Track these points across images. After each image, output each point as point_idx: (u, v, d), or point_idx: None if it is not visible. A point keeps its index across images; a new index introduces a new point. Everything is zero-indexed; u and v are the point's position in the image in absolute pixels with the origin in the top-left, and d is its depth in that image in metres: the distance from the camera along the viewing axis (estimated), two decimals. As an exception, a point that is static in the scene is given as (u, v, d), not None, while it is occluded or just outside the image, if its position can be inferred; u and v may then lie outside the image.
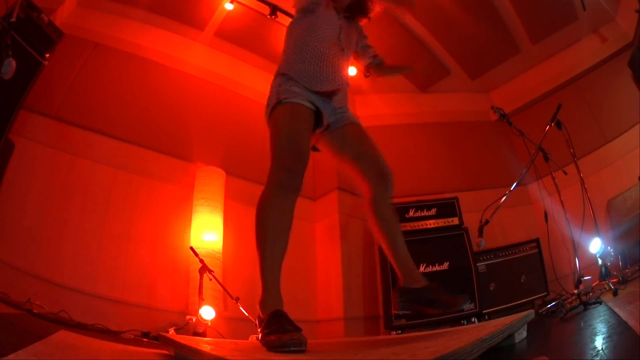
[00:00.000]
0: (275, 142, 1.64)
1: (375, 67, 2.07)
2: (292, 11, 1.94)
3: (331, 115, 1.79)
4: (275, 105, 1.70)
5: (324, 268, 4.01)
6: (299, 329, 1.30)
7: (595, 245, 2.62)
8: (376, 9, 2.09)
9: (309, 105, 1.69)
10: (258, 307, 1.43)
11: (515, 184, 2.77)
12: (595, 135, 3.91)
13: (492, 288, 3.59)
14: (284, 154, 1.58)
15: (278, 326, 1.29)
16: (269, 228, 1.48)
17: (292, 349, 1.20)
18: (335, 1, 1.91)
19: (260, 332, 1.35)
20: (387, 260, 3.66)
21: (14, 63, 2.00)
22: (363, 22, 2.08)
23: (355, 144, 1.80)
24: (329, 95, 1.77)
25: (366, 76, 2.16)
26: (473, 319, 3.42)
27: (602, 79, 4.01)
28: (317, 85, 1.73)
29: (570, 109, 3.39)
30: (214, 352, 1.25)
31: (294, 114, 1.66)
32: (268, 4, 3.88)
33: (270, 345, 1.26)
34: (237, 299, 2.97)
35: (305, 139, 1.65)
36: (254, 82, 4.42)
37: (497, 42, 4.31)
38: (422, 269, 3.60)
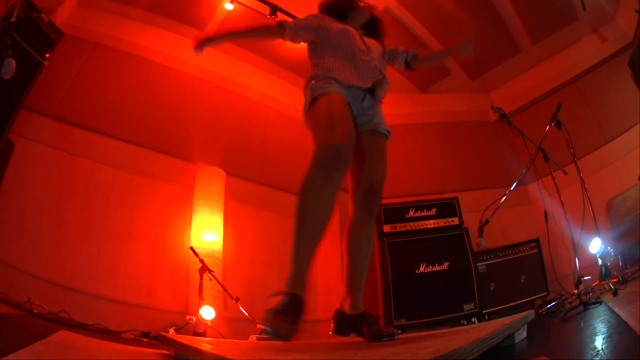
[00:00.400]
0: (316, 128, 1.61)
1: (413, 60, 2.07)
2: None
3: (359, 115, 1.77)
4: (312, 103, 1.69)
5: (324, 268, 4.01)
6: (295, 320, 1.29)
7: (595, 245, 2.62)
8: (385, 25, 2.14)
9: (344, 95, 1.69)
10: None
11: (515, 184, 2.77)
12: (595, 135, 3.92)
13: (492, 288, 3.60)
14: (325, 133, 1.54)
15: (285, 310, 1.29)
16: (307, 211, 1.44)
17: (276, 337, 1.24)
18: (349, 22, 1.98)
19: (272, 305, 1.35)
20: (387, 260, 3.67)
21: (14, 63, 2.01)
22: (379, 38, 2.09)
23: (370, 156, 1.76)
24: (360, 94, 1.77)
25: (409, 70, 2.16)
26: (473, 319, 3.42)
27: (602, 79, 4.01)
28: (348, 78, 1.73)
29: (570, 109, 3.39)
30: (214, 352, 1.25)
31: (330, 100, 1.64)
32: (268, 4, 3.88)
33: (266, 327, 1.28)
34: (237, 299, 2.98)
35: (347, 121, 1.61)
36: (254, 82, 4.42)
37: (497, 42, 4.31)
38: (422, 269, 3.60)
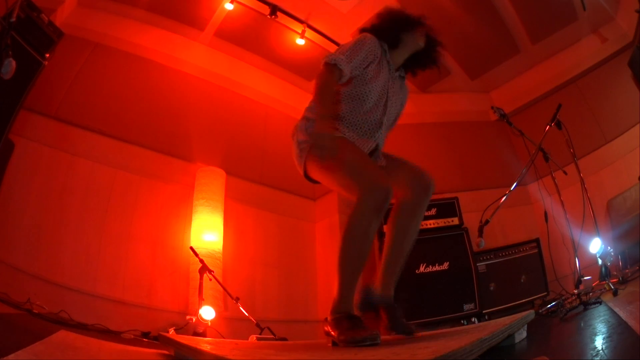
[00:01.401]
0: (355, 167, 1.56)
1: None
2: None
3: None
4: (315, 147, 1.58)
5: (324, 268, 4.01)
6: (368, 327, 1.40)
7: (595, 245, 2.62)
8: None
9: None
10: (330, 311, 1.50)
11: (515, 184, 2.77)
12: (595, 135, 3.91)
13: (492, 288, 3.59)
14: (370, 176, 1.53)
15: (354, 324, 1.40)
16: (358, 247, 1.52)
17: (368, 343, 1.30)
18: (393, 55, 1.77)
19: (335, 331, 1.43)
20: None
21: (14, 63, 2.01)
22: (431, 69, 1.92)
23: (390, 160, 1.81)
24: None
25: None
26: (473, 319, 3.42)
27: (602, 79, 4.01)
28: (358, 143, 1.70)
29: (570, 109, 3.39)
30: (214, 352, 1.25)
31: (346, 143, 1.62)
32: (268, 4, 3.88)
33: (349, 341, 1.35)
34: (237, 299, 2.98)
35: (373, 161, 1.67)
36: (254, 82, 4.42)
37: (497, 42, 4.30)
38: (422, 269, 3.60)
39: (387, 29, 1.75)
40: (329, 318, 1.49)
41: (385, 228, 1.79)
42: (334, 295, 1.50)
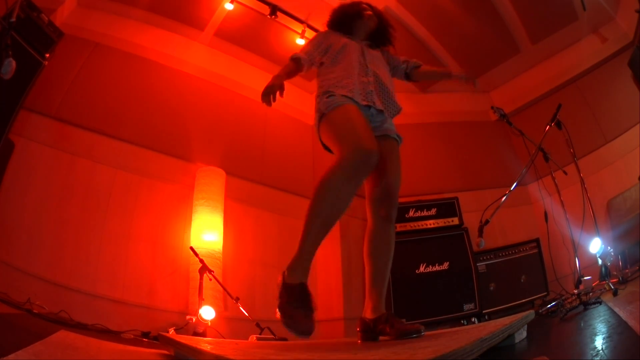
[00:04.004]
0: (341, 133, 1.61)
1: (412, 72, 2.10)
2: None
3: (371, 121, 1.79)
4: (326, 115, 1.70)
5: (324, 268, 4.01)
6: (312, 310, 1.36)
7: (595, 245, 2.62)
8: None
9: (356, 103, 1.71)
10: (285, 271, 1.46)
11: (515, 184, 2.77)
12: (595, 135, 3.91)
13: (492, 288, 3.60)
14: (354, 138, 1.54)
15: (300, 302, 1.35)
16: (324, 206, 1.48)
17: (299, 335, 1.28)
18: (353, 36, 1.99)
19: (281, 297, 1.40)
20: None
21: (14, 63, 2.00)
22: (389, 49, 2.13)
23: (382, 164, 1.74)
24: (365, 108, 1.78)
25: (409, 81, 2.19)
26: (473, 319, 3.42)
27: (602, 79, 4.01)
28: (356, 95, 1.74)
29: (570, 109, 3.39)
30: (214, 352, 1.25)
31: (349, 110, 1.67)
32: (268, 4, 3.88)
33: (283, 315, 1.32)
34: (237, 299, 2.97)
35: (370, 129, 1.65)
36: (254, 82, 4.41)
37: (497, 42, 4.31)
38: (422, 269, 3.60)
39: (339, 23, 2.06)
40: (284, 274, 1.46)
41: (363, 253, 1.80)
42: (294, 253, 1.48)
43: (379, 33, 2.08)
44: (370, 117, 1.79)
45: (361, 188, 1.63)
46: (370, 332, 1.68)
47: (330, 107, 1.69)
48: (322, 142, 1.80)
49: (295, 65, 1.88)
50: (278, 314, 1.31)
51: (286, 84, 1.86)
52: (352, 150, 1.51)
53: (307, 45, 1.99)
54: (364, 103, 1.76)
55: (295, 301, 1.35)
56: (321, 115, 1.73)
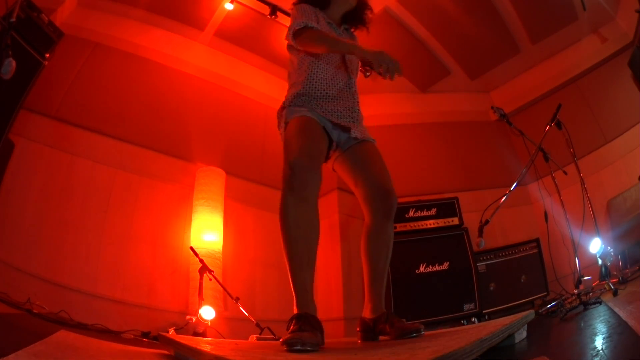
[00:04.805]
0: (285, 149, 1.59)
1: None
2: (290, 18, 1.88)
3: (340, 134, 1.75)
4: (285, 126, 1.69)
5: (324, 268, 4.01)
6: (315, 329, 1.32)
7: (595, 245, 2.62)
8: (373, 13, 2.02)
9: (316, 117, 1.67)
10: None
11: (515, 184, 2.77)
12: (595, 135, 3.91)
13: (492, 288, 3.59)
14: (288, 152, 1.54)
15: (296, 327, 1.32)
16: (290, 235, 1.45)
17: (297, 347, 1.22)
18: (328, 15, 1.86)
19: (287, 329, 1.38)
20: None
21: (14, 63, 2.00)
22: (361, 31, 2.01)
23: (365, 164, 1.73)
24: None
25: (366, 76, 2.09)
26: (473, 319, 3.42)
27: (602, 79, 4.01)
28: (325, 111, 1.70)
29: (570, 109, 3.39)
30: (214, 352, 1.25)
31: (301, 122, 1.64)
32: (268, 4, 3.88)
33: (284, 343, 1.28)
34: (237, 299, 2.98)
35: (311, 137, 1.59)
36: (254, 82, 4.42)
37: (497, 42, 4.31)
38: (422, 268, 3.60)
39: None
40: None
41: (360, 253, 1.77)
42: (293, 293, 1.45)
43: (356, 13, 1.94)
44: (338, 136, 1.75)
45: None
46: (371, 332, 1.67)
47: (287, 119, 1.68)
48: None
49: (316, 30, 1.70)
50: (285, 346, 1.25)
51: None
52: (285, 164, 1.49)
53: (301, 16, 1.76)
54: (337, 121, 1.71)
55: (302, 325, 1.32)
56: (282, 130, 1.71)
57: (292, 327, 1.34)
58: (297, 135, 1.59)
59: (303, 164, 1.47)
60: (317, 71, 1.75)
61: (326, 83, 1.74)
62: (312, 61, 1.77)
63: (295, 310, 1.41)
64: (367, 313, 1.71)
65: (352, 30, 2.00)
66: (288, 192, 1.47)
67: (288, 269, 1.45)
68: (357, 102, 1.85)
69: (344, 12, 1.91)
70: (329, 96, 1.73)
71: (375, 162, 1.74)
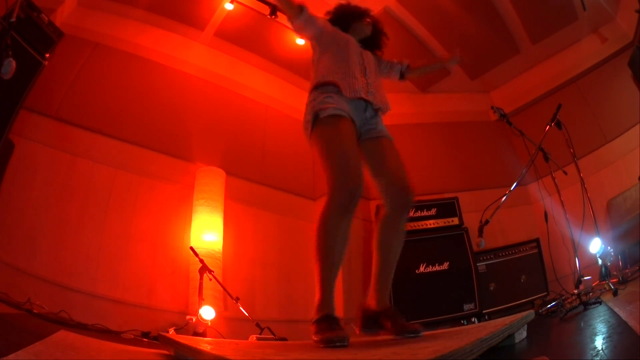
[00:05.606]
0: (330, 163, 1.63)
1: (406, 71, 2.17)
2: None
3: (363, 125, 1.81)
4: (316, 121, 1.72)
5: (324, 268, 4.00)
6: (341, 327, 1.44)
7: (595, 245, 2.62)
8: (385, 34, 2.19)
9: (347, 115, 1.71)
10: (314, 311, 1.53)
11: (515, 184, 2.77)
12: (595, 135, 3.91)
13: (492, 288, 3.59)
14: (344, 176, 1.58)
15: (326, 326, 1.43)
16: (328, 246, 1.55)
17: (337, 344, 1.34)
18: (350, 33, 2.03)
19: (313, 332, 1.47)
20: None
21: (14, 63, 2.00)
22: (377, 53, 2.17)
23: (381, 159, 1.79)
24: (362, 104, 1.80)
25: (403, 80, 2.24)
26: (473, 319, 3.42)
27: (602, 79, 4.01)
28: (347, 90, 1.76)
29: (570, 109, 3.39)
30: (214, 352, 1.25)
31: (339, 131, 1.67)
32: (268, 4, 3.88)
33: (320, 341, 1.38)
34: (237, 299, 2.98)
35: (358, 158, 1.68)
36: (254, 82, 4.42)
37: (497, 42, 4.31)
38: (422, 269, 3.60)
39: (339, 17, 2.10)
40: (313, 319, 1.51)
41: (372, 243, 1.81)
42: (316, 297, 1.54)
43: (372, 39, 2.13)
44: (365, 120, 1.81)
45: (365, 190, 1.64)
46: (372, 322, 1.69)
47: (318, 112, 1.70)
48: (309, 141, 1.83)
49: (297, 10, 1.88)
50: (322, 343, 1.37)
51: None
52: (339, 189, 1.56)
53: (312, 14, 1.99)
54: (369, 98, 1.79)
55: (325, 326, 1.43)
56: (314, 118, 1.73)
57: (322, 325, 1.44)
58: (343, 152, 1.63)
59: (357, 191, 1.56)
60: (332, 60, 1.86)
61: (345, 65, 1.84)
62: (328, 54, 1.89)
63: (317, 310, 1.51)
64: (372, 303, 1.73)
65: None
66: (336, 212, 1.55)
67: (318, 273, 1.55)
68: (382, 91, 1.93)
69: (360, 39, 2.06)
70: (348, 75, 1.81)
71: (395, 157, 1.82)
